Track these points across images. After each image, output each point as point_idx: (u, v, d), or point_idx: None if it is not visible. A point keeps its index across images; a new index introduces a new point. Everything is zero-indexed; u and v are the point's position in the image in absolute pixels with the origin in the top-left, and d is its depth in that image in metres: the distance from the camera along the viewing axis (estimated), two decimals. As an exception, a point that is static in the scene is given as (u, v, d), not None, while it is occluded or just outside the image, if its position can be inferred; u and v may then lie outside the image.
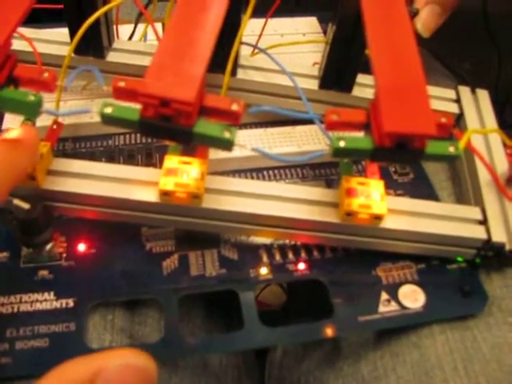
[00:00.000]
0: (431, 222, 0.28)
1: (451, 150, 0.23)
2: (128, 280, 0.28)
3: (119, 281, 0.28)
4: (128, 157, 0.33)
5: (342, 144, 0.22)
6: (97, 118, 0.33)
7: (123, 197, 0.27)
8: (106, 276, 0.28)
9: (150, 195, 0.27)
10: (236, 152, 0.32)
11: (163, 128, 0.22)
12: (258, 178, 0.33)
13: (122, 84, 0.22)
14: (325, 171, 0.33)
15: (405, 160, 0.23)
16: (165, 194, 0.26)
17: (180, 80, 0.21)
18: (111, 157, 0.33)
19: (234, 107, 0.22)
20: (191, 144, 0.22)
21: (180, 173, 0.26)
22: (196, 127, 0.22)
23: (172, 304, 0.27)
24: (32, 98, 0.23)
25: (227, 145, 0.22)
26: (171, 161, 0.27)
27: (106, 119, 0.22)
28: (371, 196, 0.27)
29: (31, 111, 0.23)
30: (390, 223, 0.27)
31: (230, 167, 0.33)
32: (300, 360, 0.34)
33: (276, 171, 0.33)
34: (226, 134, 0.22)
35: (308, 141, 0.32)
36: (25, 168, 0.23)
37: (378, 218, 0.27)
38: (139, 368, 0.16)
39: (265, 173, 0.33)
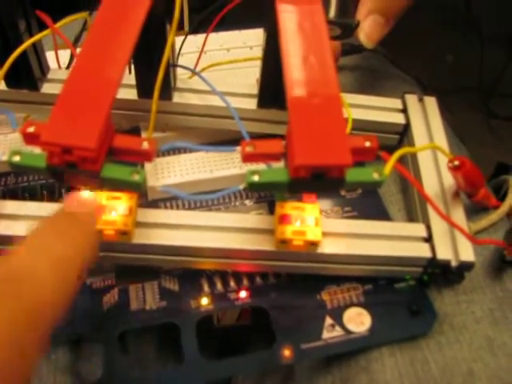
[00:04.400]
0: (372, 243, 0.27)
1: (375, 176, 0.22)
2: (67, 317, 0.28)
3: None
4: (68, 189, 0.32)
5: (255, 178, 0.21)
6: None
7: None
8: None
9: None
10: (176, 178, 0.31)
11: (71, 173, 0.21)
12: (200, 203, 0.32)
13: (30, 129, 0.21)
14: (269, 192, 0.32)
15: (324, 190, 0.22)
16: (93, 232, 0.26)
17: (81, 124, 0.20)
18: (51, 191, 0.32)
19: (145, 146, 0.21)
20: (102, 187, 0.22)
21: (108, 210, 0.26)
22: (103, 172, 0.21)
23: (112, 341, 0.27)
24: None
25: (136, 187, 0.21)
26: (99, 197, 0.26)
27: (16, 167, 0.22)
28: (306, 221, 0.26)
29: None
30: (328, 248, 0.27)
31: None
32: (258, 384, 0.33)
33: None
34: (135, 177, 0.21)
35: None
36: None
37: (314, 244, 0.26)
38: None
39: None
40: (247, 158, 0.22)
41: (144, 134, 0.32)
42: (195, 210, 0.32)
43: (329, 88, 0.22)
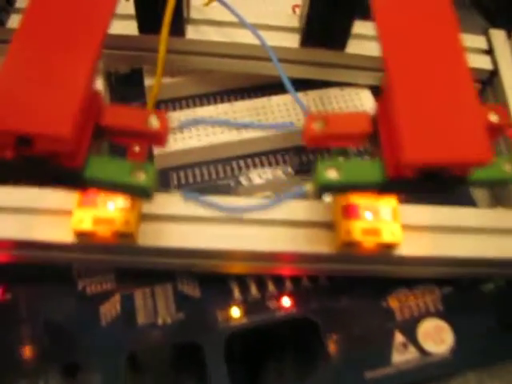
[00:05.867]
0: (461, 240, 0.20)
1: (507, 168, 0.14)
2: (56, 335, 0.21)
3: (45, 337, 0.21)
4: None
5: (332, 176, 0.14)
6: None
7: (27, 238, 0.19)
8: (27, 330, 0.21)
9: (63, 233, 0.19)
10: (191, 141, 0.23)
11: (37, 172, 0.13)
12: (224, 173, 0.24)
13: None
14: (314, 156, 0.24)
15: (436, 192, 0.14)
16: (81, 234, 0.18)
17: (47, 95, 0.12)
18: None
19: (153, 124, 0.14)
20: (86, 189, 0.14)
21: (101, 202, 0.18)
22: (88, 170, 0.13)
23: (114, 369, 0.20)
24: None
25: (141, 192, 0.14)
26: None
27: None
28: (379, 214, 0.19)
29: None
30: (407, 248, 0.19)
31: (187, 160, 0.24)
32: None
33: (249, 160, 0.24)
34: (139, 177, 0.13)
35: (284, 118, 0.23)
36: None
37: (391, 246, 0.19)
38: None
39: (234, 164, 0.24)
40: (313, 141, 0.14)
41: (148, 81, 0.24)
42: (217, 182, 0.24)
43: (449, 50, 0.14)
